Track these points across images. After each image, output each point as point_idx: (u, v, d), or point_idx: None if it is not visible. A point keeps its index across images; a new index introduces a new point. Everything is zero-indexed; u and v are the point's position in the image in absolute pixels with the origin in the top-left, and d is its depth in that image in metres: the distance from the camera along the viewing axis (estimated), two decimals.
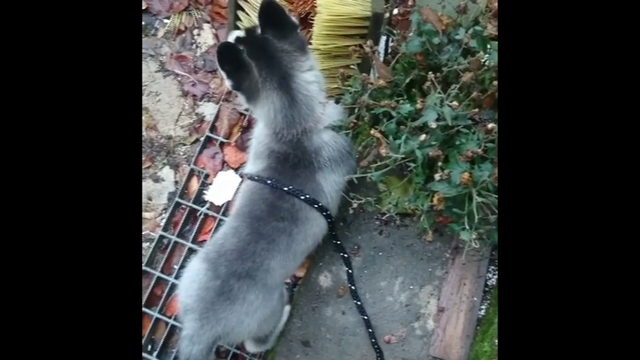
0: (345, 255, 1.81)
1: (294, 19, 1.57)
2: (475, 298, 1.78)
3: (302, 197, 1.57)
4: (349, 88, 1.59)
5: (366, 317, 1.75)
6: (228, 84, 1.58)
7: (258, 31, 1.55)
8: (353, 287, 1.78)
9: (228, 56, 1.54)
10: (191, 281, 1.54)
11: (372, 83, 1.53)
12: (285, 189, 1.57)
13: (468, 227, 1.43)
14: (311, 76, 1.57)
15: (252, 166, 1.66)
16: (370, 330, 1.74)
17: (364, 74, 1.55)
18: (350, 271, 1.80)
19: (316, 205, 1.59)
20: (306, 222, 1.59)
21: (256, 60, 1.53)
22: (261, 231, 1.54)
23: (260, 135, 1.66)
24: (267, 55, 1.53)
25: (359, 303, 1.77)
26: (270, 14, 1.52)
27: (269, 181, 1.58)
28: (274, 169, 1.60)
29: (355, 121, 1.58)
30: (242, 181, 2.05)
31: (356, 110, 1.57)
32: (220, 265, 1.52)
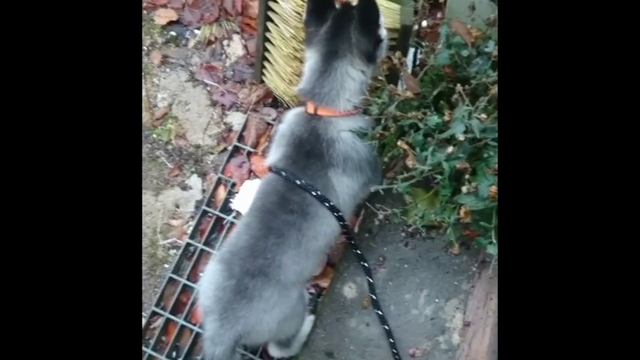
0: (366, 264, 1.80)
1: (383, 32, 1.62)
2: None
3: (313, 193, 1.58)
4: (377, 99, 1.59)
5: (387, 327, 1.74)
6: (303, 16, 1.71)
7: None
8: (374, 297, 1.77)
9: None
10: (208, 283, 1.57)
11: (399, 94, 1.53)
12: (298, 182, 1.58)
13: (494, 241, 1.42)
14: (356, 75, 1.62)
15: (272, 155, 1.70)
16: (392, 340, 1.72)
17: (391, 85, 1.56)
18: (371, 280, 1.78)
19: (327, 204, 1.59)
20: (316, 218, 1.59)
21: (332, 22, 1.63)
22: (270, 225, 1.56)
23: (289, 115, 1.72)
24: (340, 28, 1.61)
25: (380, 313, 1.75)
26: (364, 10, 1.58)
27: (284, 173, 1.60)
28: (289, 157, 1.63)
29: (382, 132, 1.58)
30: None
31: (382, 121, 1.57)
32: (234, 264, 1.54)
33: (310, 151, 1.61)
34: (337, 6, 1.66)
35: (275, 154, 1.68)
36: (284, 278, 1.55)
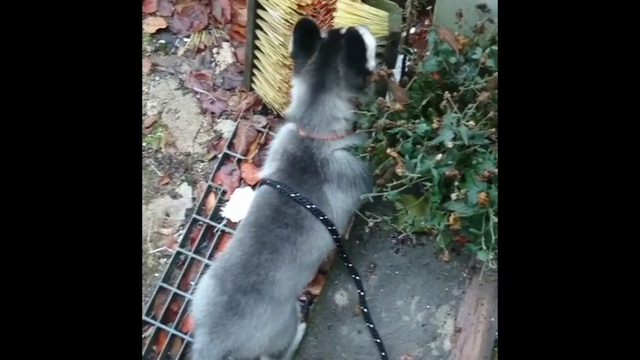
0: (357, 277, 1.79)
1: (371, 65, 1.60)
2: (493, 319, 1.76)
3: (308, 206, 1.57)
4: (366, 112, 1.59)
5: (378, 340, 1.73)
6: (290, 48, 1.69)
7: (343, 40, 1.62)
8: (365, 310, 1.77)
9: (304, 31, 1.63)
10: (201, 297, 1.57)
11: (388, 107, 1.53)
12: (292, 195, 1.57)
13: (484, 247, 1.42)
14: (343, 106, 1.61)
15: (266, 169, 1.69)
16: (383, 354, 1.72)
17: (380, 98, 1.56)
18: (362, 293, 1.78)
19: (321, 217, 1.59)
20: (310, 232, 1.58)
21: (320, 53, 1.62)
22: (264, 240, 1.55)
23: (282, 132, 1.71)
24: (327, 58, 1.61)
25: (372, 326, 1.75)
26: (350, 45, 1.58)
27: (278, 186, 1.60)
28: (284, 170, 1.63)
29: (372, 145, 1.57)
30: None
31: (373, 134, 1.57)
32: (227, 280, 1.53)
33: (305, 167, 1.61)
34: (324, 35, 1.64)
35: (269, 168, 1.68)
36: (277, 294, 1.55)
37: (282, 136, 1.70)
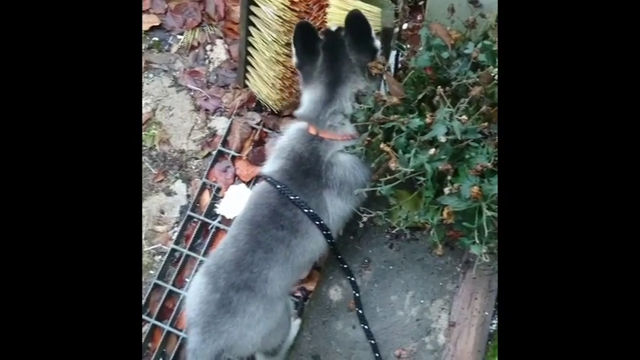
0: (353, 279, 1.80)
1: (377, 44, 1.63)
2: (486, 313, 1.77)
3: (305, 210, 1.58)
4: (362, 105, 1.59)
5: (373, 342, 1.74)
6: (293, 60, 1.69)
7: (342, 33, 1.63)
8: (360, 311, 1.78)
9: (304, 36, 1.64)
10: (194, 295, 1.57)
11: (384, 100, 1.53)
12: (292, 197, 1.58)
13: (478, 241, 1.43)
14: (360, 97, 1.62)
15: (269, 165, 1.69)
16: (377, 355, 1.73)
17: (377, 91, 1.56)
18: (357, 295, 1.79)
19: (317, 222, 1.60)
20: (305, 236, 1.59)
21: (326, 53, 1.63)
22: (259, 239, 1.55)
23: (291, 130, 1.71)
24: (335, 55, 1.62)
25: (366, 327, 1.76)
26: (355, 27, 1.60)
27: (278, 186, 1.60)
28: (286, 171, 1.63)
29: (369, 139, 1.58)
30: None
31: (369, 127, 1.58)
32: (219, 277, 1.53)
33: (309, 170, 1.61)
34: (321, 37, 1.66)
35: (272, 165, 1.68)
36: (270, 292, 1.55)
37: (291, 134, 1.70)
